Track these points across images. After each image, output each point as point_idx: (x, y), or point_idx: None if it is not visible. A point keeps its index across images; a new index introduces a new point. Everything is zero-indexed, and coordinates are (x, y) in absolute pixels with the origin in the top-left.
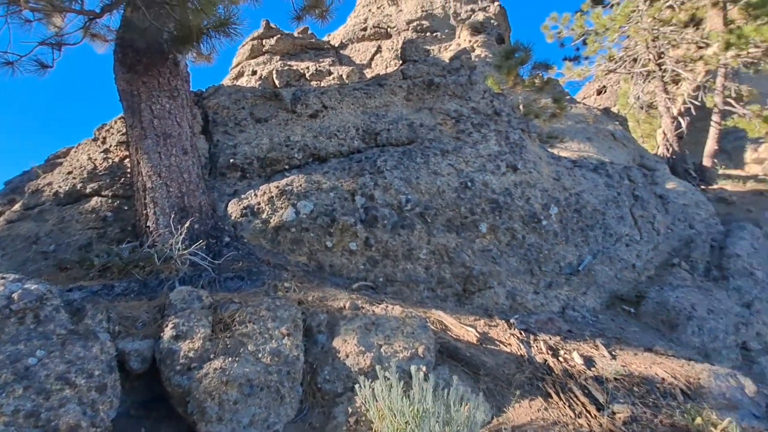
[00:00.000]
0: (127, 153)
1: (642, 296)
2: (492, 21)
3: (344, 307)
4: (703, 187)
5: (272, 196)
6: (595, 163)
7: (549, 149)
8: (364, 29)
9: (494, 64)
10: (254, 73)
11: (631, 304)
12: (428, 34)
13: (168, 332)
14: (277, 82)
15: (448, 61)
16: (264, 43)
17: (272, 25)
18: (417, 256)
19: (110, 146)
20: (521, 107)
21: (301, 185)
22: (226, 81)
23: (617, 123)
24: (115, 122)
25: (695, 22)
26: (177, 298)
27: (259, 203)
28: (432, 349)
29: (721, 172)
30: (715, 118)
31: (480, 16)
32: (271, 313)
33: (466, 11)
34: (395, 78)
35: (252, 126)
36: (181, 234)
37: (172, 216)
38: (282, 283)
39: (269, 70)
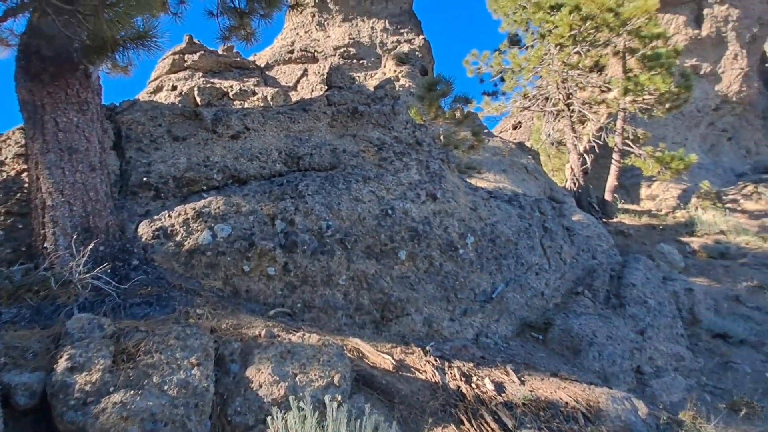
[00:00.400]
0: (26, 167)
1: (549, 323)
2: (417, 53)
3: (260, 335)
4: (604, 220)
5: (188, 218)
6: (510, 195)
7: (467, 180)
8: (291, 52)
9: (417, 94)
10: (174, 88)
11: (539, 331)
12: (355, 61)
13: (62, 364)
14: (198, 99)
15: (372, 89)
16: (186, 59)
17: (196, 40)
18: (336, 282)
19: (6, 158)
20: (442, 138)
21: (219, 207)
22: (143, 95)
23: (530, 157)
24: (13, 132)
25: (599, 68)
26: (74, 326)
27: (173, 225)
28: (348, 377)
29: (620, 206)
30: (615, 156)
31: (405, 48)
32: (180, 341)
33: (392, 42)
34: (320, 104)
35: (169, 144)
36: (83, 256)
37: (75, 236)
38: (194, 310)
39: (190, 87)
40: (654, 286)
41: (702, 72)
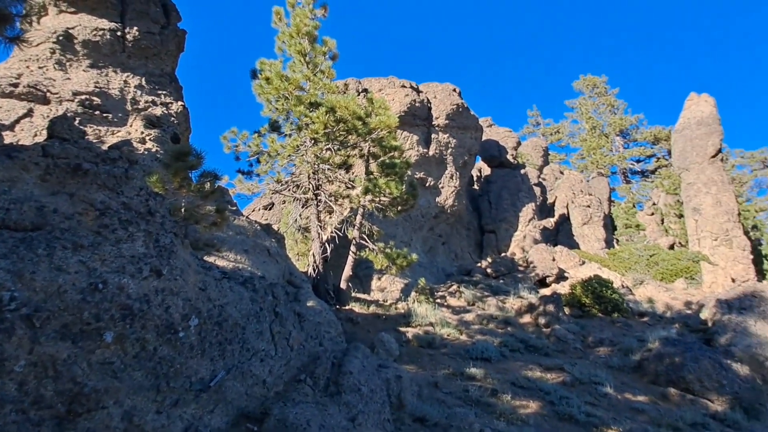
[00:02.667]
0: None
1: (267, 413)
2: (172, 118)
3: None
4: (338, 307)
5: None
6: (246, 277)
7: (206, 257)
8: (15, 85)
9: (164, 162)
10: None
11: (255, 422)
12: (97, 112)
13: None
14: None
15: (106, 148)
16: None
17: None
18: (10, 368)
19: None
20: (183, 211)
21: None
22: None
23: (274, 240)
24: None
25: (347, 166)
26: None
27: None
28: None
29: (353, 295)
30: (352, 248)
31: (159, 111)
32: None
33: (146, 101)
34: (33, 153)
35: None
36: None
37: None
38: None
39: None
40: (369, 374)
41: (427, 184)
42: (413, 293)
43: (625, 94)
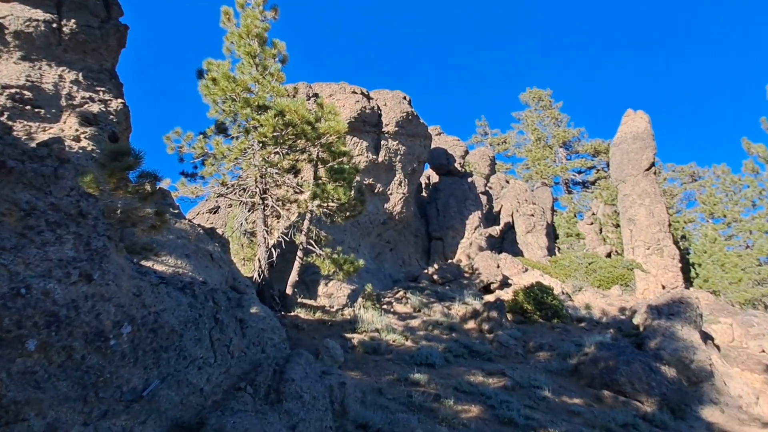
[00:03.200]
0: None
1: (203, 423)
2: (111, 117)
3: None
4: (283, 313)
5: None
6: (185, 282)
7: (143, 262)
8: None
9: (99, 161)
10: None
11: None
12: (28, 107)
13: None
14: None
15: (34, 145)
16: None
17: None
18: None
19: None
20: (118, 213)
21: None
22: None
23: (218, 244)
24: None
25: (295, 170)
26: None
27: None
28: None
29: (299, 301)
30: (299, 253)
31: (96, 108)
32: None
33: (83, 98)
34: None
35: None
36: None
37: None
38: None
39: None
40: (312, 381)
41: (376, 191)
42: (360, 299)
43: (569, 108)
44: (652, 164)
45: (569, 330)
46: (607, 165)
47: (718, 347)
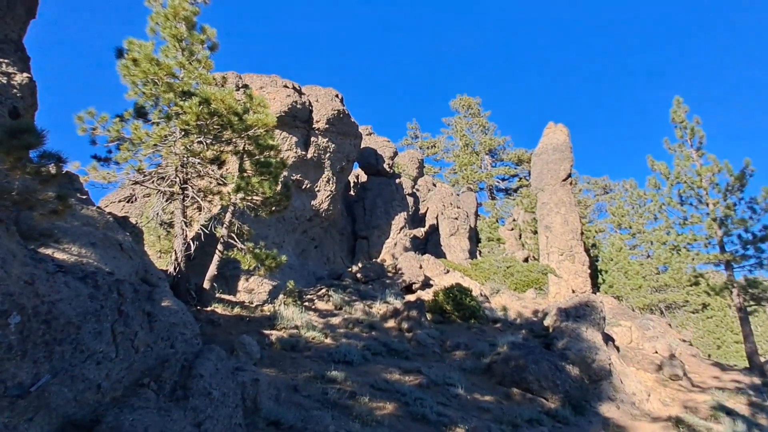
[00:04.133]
0: None
1: (98, 421)
2: (14, 91)
3: None
4: (199, 308)
5: None
6: (88, 272)
7: (41, 249)
8: None
9: None
10: None
11: (84, 430)
12: None
13: None
14: None
15: None
16: None
17: None
18: None
19: None
20: (15, 194)
21: None
22: None
23: (129, 234)
24: None
25: (219, 162)
26: None
27: None
28: None
29: (218, 296)
30: (219, 247)
31: None
32: None
33: None
34: None
35: None
36: None
37: None
38: None
39: None
40: (222, 377)
41: (303, 187)
42: (281, 296)
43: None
44: (569, 175)
45: (485, 330)
46: (529, 174)
47: (617, 348)
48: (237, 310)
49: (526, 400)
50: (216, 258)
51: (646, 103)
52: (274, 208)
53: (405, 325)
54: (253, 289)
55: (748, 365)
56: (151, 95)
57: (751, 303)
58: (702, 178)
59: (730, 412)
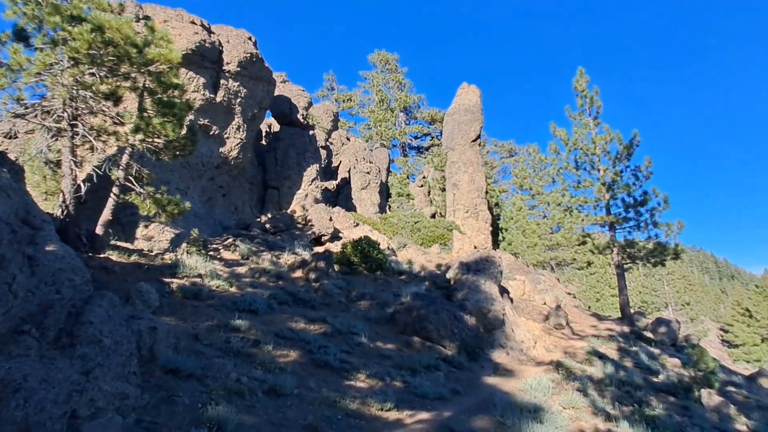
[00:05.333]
0: None
1: None
2: None
3: None
4: (90, 254)
5: None
6: None
7: None
8: None
9: None
10: None
11: None
12: None
13: None
14: None
15: None
16: None
17: None
18: None
19: None
20: None
21: None
22: None
23: (8, 171)
24: None
25: (116, 98)
26: None
27: None
28: None
29: (112, 242)
30: (115, 190)
31: None
32: None
33: None
34: None
35: None
36: None
37: None
38: None
39: None
40: (115, 324)
41: (212, 132)
42: (184, 244)
43: (413, 75)
44: (479, 136)
45: (390, 282)
46: (441, 133)
47: (511, 300)
48: (134, 257)
49: (425, 348)
50: (111, 202)
51: (559, 71)
52: (178, 153)
53: (312, 276)
54: (153, 237)
55: (620, 315)
56: (33, 17)
57: (628, 261)
58: (596, 146)
59: (602, 356)
